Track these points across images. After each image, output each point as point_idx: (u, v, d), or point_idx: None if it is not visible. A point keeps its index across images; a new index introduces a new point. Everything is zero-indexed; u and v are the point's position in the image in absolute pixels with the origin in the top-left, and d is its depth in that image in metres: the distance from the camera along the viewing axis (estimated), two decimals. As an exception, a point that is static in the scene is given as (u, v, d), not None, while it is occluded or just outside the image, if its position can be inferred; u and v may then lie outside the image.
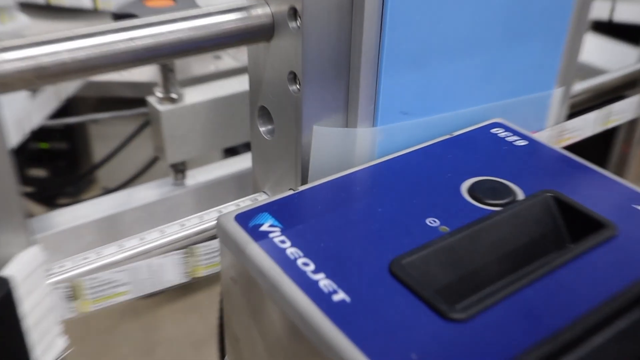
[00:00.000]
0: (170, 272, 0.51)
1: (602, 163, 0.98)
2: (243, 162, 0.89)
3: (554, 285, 0.40)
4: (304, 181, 0.53)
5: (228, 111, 0.82)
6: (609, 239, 0.43)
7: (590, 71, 0.96)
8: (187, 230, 0.53)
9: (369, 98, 0.51)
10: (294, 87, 0.50)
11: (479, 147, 0.54)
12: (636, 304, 0.40)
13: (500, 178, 0.50)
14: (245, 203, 0.56)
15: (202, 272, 0.52)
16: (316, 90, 0.49)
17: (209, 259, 0.53)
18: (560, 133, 0.68)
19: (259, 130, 0.55)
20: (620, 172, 0.87)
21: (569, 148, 0.66)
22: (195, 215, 0.55)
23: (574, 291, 0.39)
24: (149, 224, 0.83)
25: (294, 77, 0.50)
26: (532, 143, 0.55)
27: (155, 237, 0.52)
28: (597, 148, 1.17)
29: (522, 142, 0.55)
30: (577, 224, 0.45)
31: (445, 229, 0.44)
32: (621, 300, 0.38)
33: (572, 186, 0.49)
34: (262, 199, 0.57)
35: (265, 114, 0.55)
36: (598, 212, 0.45)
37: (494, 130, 0.57)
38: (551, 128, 0.67)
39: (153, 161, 1.03)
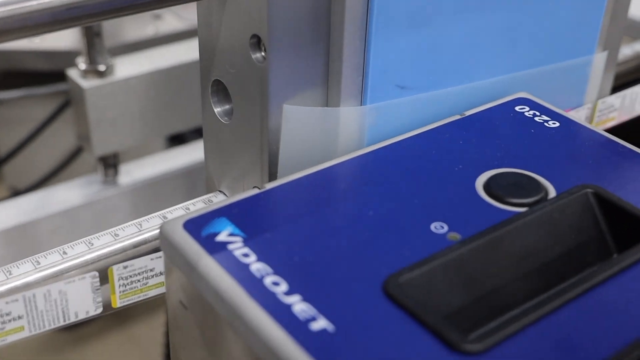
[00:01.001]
0: (77, 302, 0.51)
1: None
2: (193, 153, 0.89)
3: (595, 307, 0.40)
4: (273, 177, 0.53)
5: (172, 87, 0.82)
6: (664, 247, 0.44)
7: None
8: (122, 242, 0.53)
9: (356, 68, 0.51)
10: (257, 55, 0.50)
11: (498, 130, 0.55)
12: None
13: (526, 170, 0.50)
14: (197, 206, 0.56)
15: (118, 302, 0.53)
16: (287, 59, 0.50)
17: (128, 284, 0.53)
18: (604, 111, 0.69)
19: (213, 112, 0.55)
20: None
21: (616, 130, 0.67)
22: (133, 222, 0.55)
23: (620, 314, 0.40)
24: (72, 234, 0.83)
25: (257, 42, 0.50)
26: (567, 124, 0.56)
27: (81, 251, 0.52)
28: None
29: (554, 123, 0.56)
30: (624, 228, 0.46)
31: (455, 236, 0.45)
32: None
33: (619, 180, 0.50)
34: (218, 200, 0.57)
35: (220, 90, 0.55)
36: (650, 213, 0.46)
37: (518, 108, 0.57)
38: (592, 104, 0.68)
39: (76, 153, 1.03)
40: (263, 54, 0.50)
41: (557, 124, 0.56)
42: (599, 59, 0.65)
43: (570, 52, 0.63)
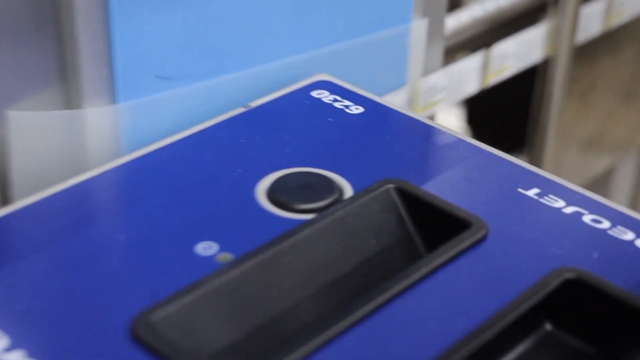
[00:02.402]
0: None
1: (518, 134, 1.04)
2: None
3: (393, 320, 0.41)
4: (9, 202, 0.52)
5: None
6: (476, 244, 0.45)
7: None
8: None
9: (98, 57, 0.51)
10: (-35, 50, 0.49)
11: (289, 122, 0.55)
12: (512, 337, 0.42)
13: (319, 168, 0.51)
14: None
15: None
16: (4, 53, 0.49)
17: None
18: (429, 91, 0.71)
19: None
20: (538, 142, 0.92)
21: (470, 116, 0.69)
22: None
23: (422, 326, 0.41)
24: None
25: (-37, 33, 0.49)
26: (374, 109, 0.57)
27: None
28: (509, 112, 1.22)
29: (359, 109, 0.57)
30: (433, 226, 0.48)
31: (226, 257, 0.45)
32: (488, 334, 0.40)
33: (431, 171, 0.52)
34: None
35: None
36: (462, 206, 0.47)
37: (316, 94, 0.58)
38: (413, 85, 0.69)
39: None
40: (-27, 48, 0.49)
41: (362, 110, 0.57)
42: (418, 28, 0.67)
43: (380, 22, 0.64)
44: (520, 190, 0.50)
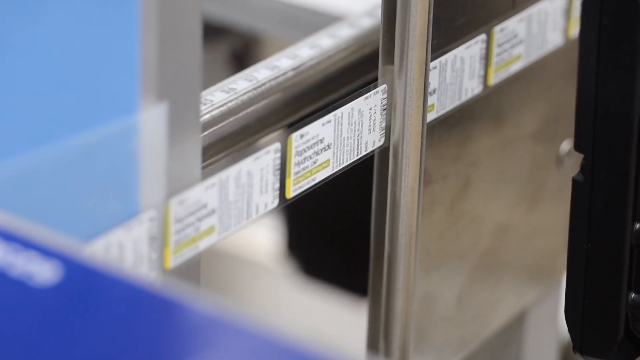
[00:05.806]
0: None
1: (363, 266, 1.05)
2: None
3: None
4: None
5: None
6: None
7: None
8: None
9: None
10: None
11: None
12: None
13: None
14: None
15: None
16: None
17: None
18: (185, 220, 0.71)
19: None
20: (385, 284, 0.93)
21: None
22: None
23: None
24: None
25: None
26: (80, 272, 0.56)
27: None
28: (349, 232, 1.25)
29: (51, 275, 0.55)
30: None
31: None
32: None
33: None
34: None
35: None
36: None
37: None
38: (159, 211, 0.70)
39: None
40: None
41: (58, 276, 0.55)
42: (150, 119, 0.68)
43: (81, 116, 0.66)
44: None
